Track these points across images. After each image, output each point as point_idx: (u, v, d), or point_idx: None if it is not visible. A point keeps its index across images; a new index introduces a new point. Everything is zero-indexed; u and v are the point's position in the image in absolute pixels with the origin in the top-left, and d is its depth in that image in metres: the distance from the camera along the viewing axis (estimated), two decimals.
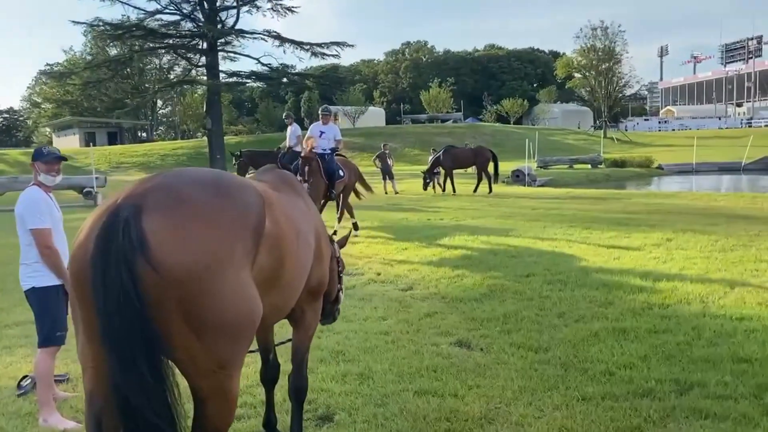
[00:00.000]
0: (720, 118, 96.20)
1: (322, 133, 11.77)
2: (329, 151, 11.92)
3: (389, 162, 22.53)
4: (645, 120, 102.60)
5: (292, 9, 43.01)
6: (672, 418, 3.88)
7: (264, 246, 2.55)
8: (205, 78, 46.34)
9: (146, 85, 70.38)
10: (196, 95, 69.07)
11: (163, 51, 49.22)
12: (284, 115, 16.24)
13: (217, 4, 42.27)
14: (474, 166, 22.17)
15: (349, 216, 13.13)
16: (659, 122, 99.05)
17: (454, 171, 22.17)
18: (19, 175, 24.92)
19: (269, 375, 3.93)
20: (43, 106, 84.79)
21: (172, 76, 70.66)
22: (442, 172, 21.97)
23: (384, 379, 4.72)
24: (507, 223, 13.02)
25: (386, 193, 21.92)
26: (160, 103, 78.86)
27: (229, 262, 2.32)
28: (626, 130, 71.46)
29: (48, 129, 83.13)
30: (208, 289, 2.23)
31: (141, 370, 2.15)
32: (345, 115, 64.66)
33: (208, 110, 45.04)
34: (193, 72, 53.66)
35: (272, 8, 42.47)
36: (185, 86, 57.53)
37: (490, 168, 21.44)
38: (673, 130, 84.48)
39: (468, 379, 4.65)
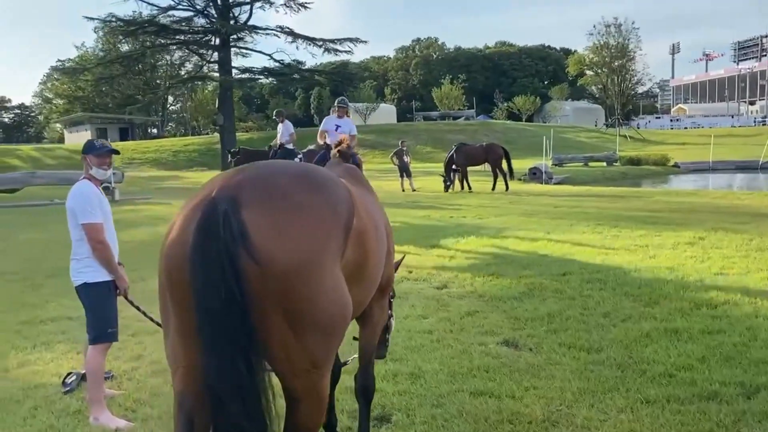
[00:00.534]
0: (733, 117, 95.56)
1: (337, 127, 10.77)
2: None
3: (406, 159, 22.41)
4: (656, 118, 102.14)
5: (306, 5, 42.88)
6: (744, 422, 3.76)
7: (351, 241, 2.47)
8: (216, 74, 46.41)
9: (157, 81, 70.55)
10: (207, 91, 69.12)
11: (176, 47, 49.27)
12: (275, 112, 15.94)
13: (230, 0, 42.25)
14: (487, 164, 22.09)
15: None
16: (671, 120, 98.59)
17: (468, 168, 22.07)
18: (36, 170, 24.84)
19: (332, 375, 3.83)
20: (54, 102, 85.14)
21: (183, 72, 70.85)
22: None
23: (436, 379, 4.62)
24: (531, 221, 12.89)
25: (403, 190, 21.83)
26: (170, 99, 79.02)
27: (327, 258, 2.25)
28: (638, 128, 71.02)
29: (59, 125, 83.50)
30: (308, 285, 2.16)
31: (239, 370, 2.07)
32: (356, 111, 64.64)
33: (219, 106, 45.07)
34: (205, 68, 53.73)
35: (285, 4, 42.35)
36: (197, 82, 57.53)
37: (504, 165, 21.34)
38: (686, 128, 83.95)
39: (523, 380, 4.54)
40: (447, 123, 59.87)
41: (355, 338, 4.45)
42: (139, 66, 62.47)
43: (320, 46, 43.10)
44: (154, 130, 77.19)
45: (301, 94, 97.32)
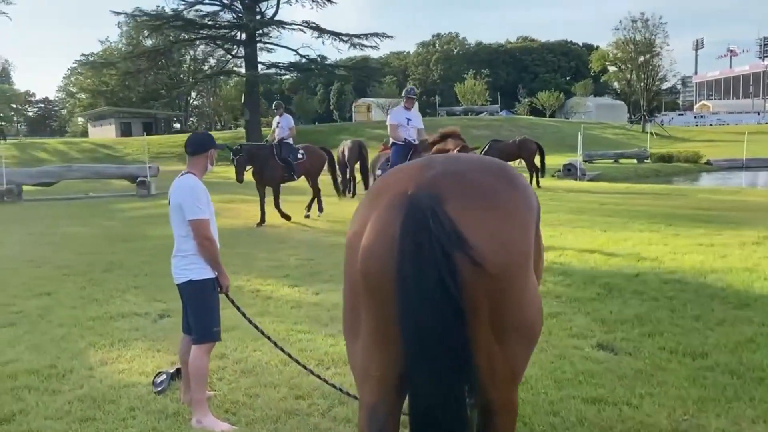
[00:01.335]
0: (759, 114, 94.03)
1: (408, 120, 9.64)
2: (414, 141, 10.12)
3: None
4: (680, 115, 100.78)
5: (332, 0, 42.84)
6: None
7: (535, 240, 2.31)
8: (241, 69, 46.47)
9: (181, 76, 70.82)
10: (230, 87, 69.28)
11: (202, 42, 49.35)
12: (274, 104, 14.76)
13: None
14: (521, 159, 21.82)
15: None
16: (695, 117, 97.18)
17: None
18: (72, 164, 24.94)
19: None
20: (78, 96, 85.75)
21: (206, 67, 71.12)
22: None
23: (542, 384, 4.44)
24: (582, 218, 12.64)
25: None
26: (193, 94, 79.33)
27: (530, 259, 2.08)
28: (662, 125, 70.13)
29: (82, 119, 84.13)
30: (516, 288, 2.01)
31: (452, 382, 1.90)
32: (378, 107, 64.43)
33: (246, 101, 45.08)
34: (230, 63, 53.82)
35: None
36: (222, 77, 57.62)
37: (537, 160, 21.08)
38: (711, 125, 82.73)
39: (634, 386, 4.34)
40: (471, 118, 59.45)
41: None
42: (163, 60, 62.90)
43: (346, 42, 43.05)
44: (177, 125, 77.55)
45: (321, 90, 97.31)
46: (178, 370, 4.82)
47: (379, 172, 9.30)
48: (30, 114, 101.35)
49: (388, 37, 44.09)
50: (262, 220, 12.91)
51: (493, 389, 2.07)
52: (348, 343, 2.21)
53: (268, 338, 4.51)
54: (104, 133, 64.25)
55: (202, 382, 4.05)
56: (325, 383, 4.31)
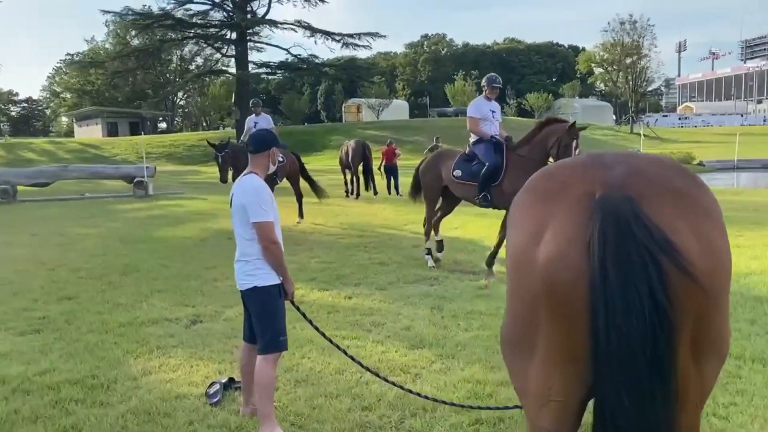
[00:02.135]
0: (742, 115, 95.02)
1: (493, 113, 8.50)
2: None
3: None
4: (664, 116, 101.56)
5: None
6: None
7: None
8: (230, 68, 46.02)
9: (168, 75, 70.13)
10: (218, 86, 68.62)
11: (192, 41, 48.86)
12: (251, 102, 13.47)
13: None
14: None
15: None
16: (679, 118, 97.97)
17: None
18: (69, 164, 24.46)
19: None
20: (62, 96, 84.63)
21: (193, 67, 70.52)
22: None
23: None
24: None
25: None
26: (180, 93, 78.65)
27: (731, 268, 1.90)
28: (649, 126, 70.54)
29: (67, 118, 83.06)
30: (723, 300, 1.82)
31: (658, 409, 1.71)
32: (369, 107, 64.20)
33: (236, 101, 44.66)
34: (219, 62, 53.29)
35: None
36: (212, 76, 57.12)
37: None
38: (695, 126, 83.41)
39: (714, 395, 4.17)
40: (462, 119, 59.35)
41: None
42: (149, 59, 62.23)
43: (338, 41, 42.82)
44: (164, 125, 76.81)
45: (307, 90, 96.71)
46: (230, 380, 4.62)
47: (458, 172, 8.25)
48: (13, 114, 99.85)
49: (381, 36, 44.12)
50: None
51: (682, 413, 1.88)
52: (514, 362, 1.99)
53: (322, 334, 4.32)
54: (90, 133, 63.44)
55: (269, 395, 3.82)
56: (413, 394, 4.16)
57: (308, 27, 42.18)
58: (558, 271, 1.79)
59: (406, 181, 20.94)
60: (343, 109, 71.71)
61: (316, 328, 4.36)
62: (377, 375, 4.29)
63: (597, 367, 1.74)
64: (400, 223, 13.03)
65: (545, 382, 1.87)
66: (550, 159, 7.48)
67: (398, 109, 69.88)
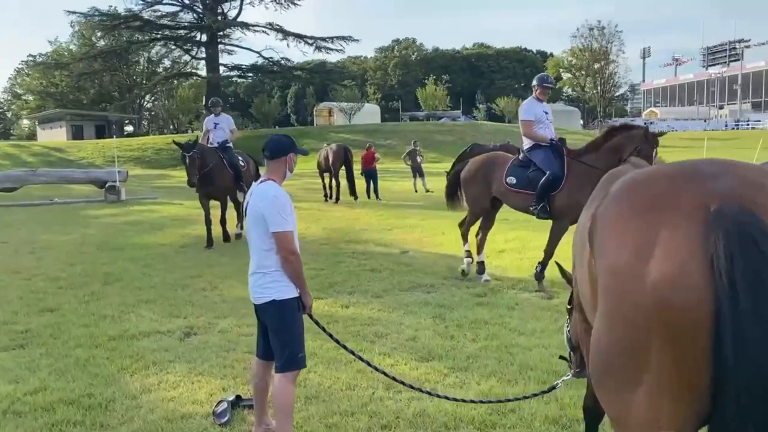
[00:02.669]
0: (705, 120, 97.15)
1: (545, 113, 7.92)
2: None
3: (419, 160, 21.92)
4: (631, 120, 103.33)
5: (295, 2, 42.26)
6: None
7: None
8: (199, 71, 45.39)
9: (135, 78, 68.91)
10: (186, 88, 67.65)
11: (161, 43, 48.06)
12: (210, 102, 12.28)
13: None
14: None
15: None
16: (645, 123, 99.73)
17: None
18: (35, 168, 23.69)
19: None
20: (24, 98, 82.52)
21: (160, 69, 69.43)
22: None
23: None
24: None
25: (416, 191, 21.33)
26: (147, 96, 77.38)
27: None
28: None
29: (29, 121, 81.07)
30: None
31: None
32: (341, 111, 63.91)
33: (207, 104, 44.03)
34: (188, 65, 52.49)
35: (275, 0, 41.65)
36: (181, 79, 56.27)
37: None
38: (661, 131, 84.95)
39: None
40: (434, 123, 59.47)
41: (561, 357, 3.98)
42: (115, 61, 61.05)
43: (311, 44, 42.51)
44: (130, 128, 75.41)
45: (277, 93, 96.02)
46: (238, 397, 4.39)
47: (512, 180, 7.63)
48: None
49: (354, 40, 43.87)
50: (210, 241, 10.84)
51: None
52: (613, 390, 1.81)
53: (343, 346, 4.13)
54: (54, 136, 61.81)
55: (289, 415, 3.60)
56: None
57: (280, 30, 41.84)
58: (675, 292, 1.62)
59: (384, 185, 20.85)
60: (314, 112, 71.31)
61: (342, 346, 4.19)
62: (420, 390, 4.17)
63: (721, 400, 1.58)
64: (384, 228, 12.85)
65: (653, 413, 1.70)
66: None
67: (370, 112, 69.69)
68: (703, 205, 1.66)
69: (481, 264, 8.23)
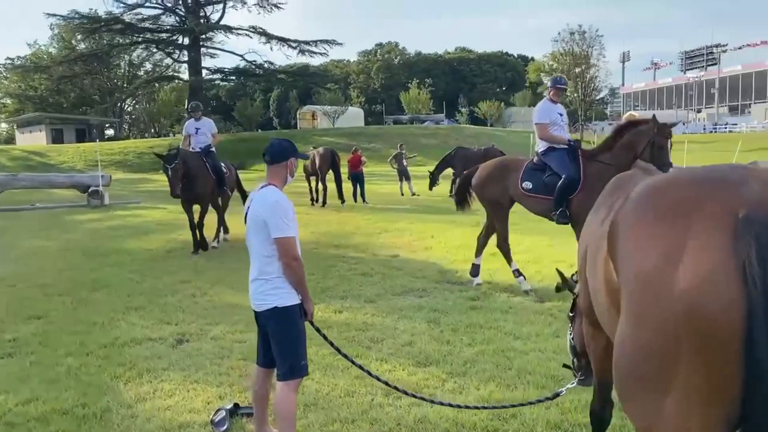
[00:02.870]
0: (683, 124, 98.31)
1: (560, 115, 7.85)
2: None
3: (405, 163, 21.95)
4: (609, 124, 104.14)
5: (279, 5, 42.10)
6: None
7: None
8: (181, 74, 45.06)
9: (115, 81, 68.25)
10: (168, 92, 67.14)
11: (143, 46, 47.65)
12: (191, 106, 11.82)
13: None
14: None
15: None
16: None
17: None
18: (18, 172, 23.34)
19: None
20: (2, 102, 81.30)
21: (141, 72, 68.85)
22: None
23: None
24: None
25: (402, 194, 21.36)
26: (128, 100, 76.63)
27: None
28: (595, 134, 72.28)
29: (7, 125, 79.98)
30: None
31: None
32: (325, 114, 63.83)
33: (188, 108, 43.74)
34: (170, 68, 52.05)
35: (258, 4, 41.49)
36: (163, 82, 55.82)
37: None
38: (672, 122, 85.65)
39: None
40: (418, 127, 59.60)
41: (565, 366, 3.97)
42: (95, 64, 60.41)
43: (295, 48, 42.41)
44: (111, 131, 74.59)
45: (259, 96, 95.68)
46: (236, 405, 4.33)
47: (528, 185, 7.46)
48: None
49: (338, 44, 43.89)
50: (197, 245, 10.68)
51: None
52: (640, 398, 1.80)
53: (344, 355, 4.10)
54: (34, 140, 61.03)
55: (292, 424, 3.56)
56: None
57: (264, 33, 41.69)
58: (706, 299, 1.61)
59: (370, 188, 20.81)
60: (297, 115, 71.12)
61: (343, 354, 4.16)
62: (423, 399, 4.14)
63: (752, 404, 1.57)
64: (373, 232, 12.82)
65: (683, 420, 1.69)
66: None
67: (353, 116, 69.68)
68: (731, 212, 1.66)
69: (476, 267, 8.12)
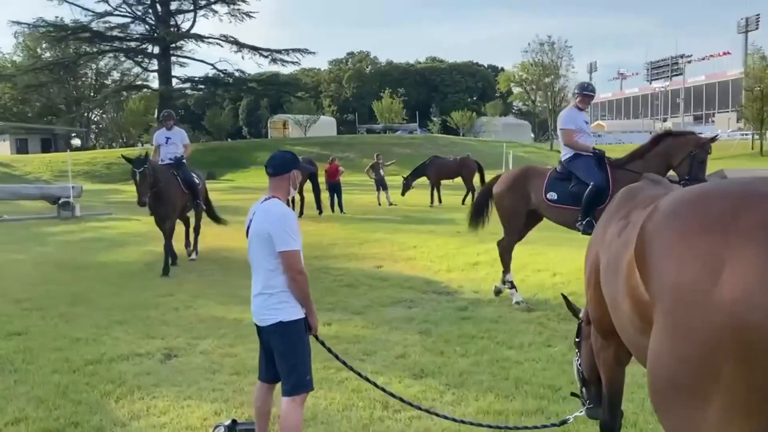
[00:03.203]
0: (650, 133, 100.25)
1: (585, 123, 7.68)
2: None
3: (382, 173, 21.95)
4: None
5: (250, 14, 41.99)
6: None
7: None
8: (150, 83, 44.54)
9: (82, 90, 67.16)
10: (137, 101, 66.22)
11: (111, 55, 46.99)
12: (162, 114, 11.34)
13: (172, 7, 40.69)
14: (460, 177, 21.79)
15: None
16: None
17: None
18: None
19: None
20: None
21: (109, 81, 67.88)
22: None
23: None
24: (548, 234, 12.66)
25: (380, 204, 21.34)
26: (96, 109, 75.39)
27: None
28: None
29: None
30: None
31: None
32: (296, 123, 63.61)
33: (159, 117, 43.25)
34: (139, 77, 51.43)
35: (230, 13, 41.28)
36: (132, 91, 55.09)
37: (476, 179, 21.21)
38: (609, 143, 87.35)
39: None
40: (391, 136, 59.80)
41: (573, 394, 3.97)
42: (62, 73, 59.34)
43: (266, 56, 42.24)
44: (77, 141, 73.27)
45: (228, 105, 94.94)
46: (234, 422, 4.23)
47: (553, 195, 7.25)
48: None
49: (311, 53, 43.86)
50: (171, 259, 10.09)
51: None
52: (679, 409, 1.80)
53: (350, 368, 4.05)
54: None
55: None
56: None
57: (235, 42, 41.48)
58: (749, 311, 1.62)
59: (347, 198, 20.76)
60: (268, 124, 70.73)
61: (350, 367, 4.10)
62: (437, 414, 4.10)
63: None
64: (354, 242, 12.78)
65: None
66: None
67: (326, 125, 69.60)
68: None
69: (510, 283, 7.71)
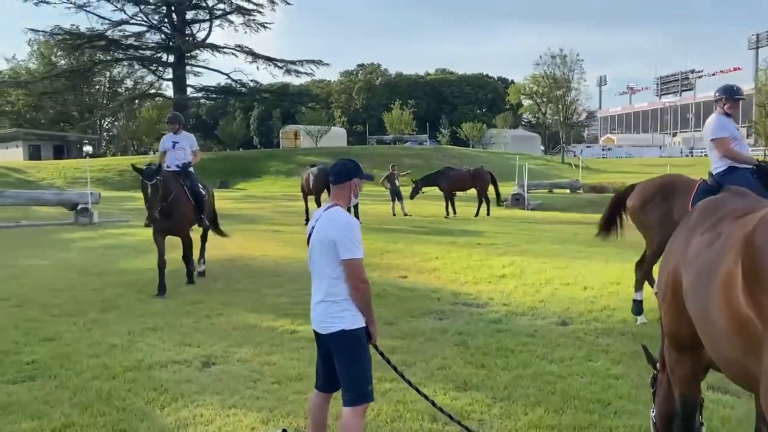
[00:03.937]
0: (660, 147, 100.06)
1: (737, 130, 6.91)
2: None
3: (397, 183, 21.94)
4: (587, 147, 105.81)
5: (265, 25, 42.22)
6: None
7: None
8: (164, 91, 44.78)
9: (96, 98, 67.61)
10: (150, 109, 66.60)
11: (126, 63, 47.33)
12: (168, 117, 10.58)
13: (188, 17, 40.99)
14: (474, 188, 21.69)
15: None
16: (602, 149, 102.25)
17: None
18: (5, 189, 22.82)
19: None
20: None
21: (122, 89, 68.34)
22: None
23: None
24: (570, 247, 12.61)
25: (394, 214, 21.31)
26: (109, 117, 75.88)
27: None
28: (574, 156, 73.22)
29: None
30: None
31: None
32: (308, 134, 63.79)
33: (166, 120, 43.42)
34: (153, 85, 51.76)
35: (245, 23, 41.55)
36: (146, 99, 55.43)
37: (491, 190, 21.17)
38: (618, 157, 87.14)
39: None
40: (402, 147, 59.89)
41: None
42: (77, 81, 59.76)
43: (281, 67, 42.43)
44: (89, 148, 73.66)
45: (240, 115, 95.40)
46: (284, 431, 4.19)
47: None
48: None
49: (325, 64, 44.08)
50: (163, 288, 8.85)
51: None
52: None
53: (408, 382, 4.00)
54: (10, 156, 60.02)
55: None
56: None
57: (251, 52, 41.73)
58: None
59: (361, 208, 20.71)
60: (280, 134, 70.96)
61: (399, 374, 4.03)
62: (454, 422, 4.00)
63: None
64: (375, 252, 12.70)
65: None
66: None
67: (337, 136, 69.79)
68: None
69: (638, 303, 7.15)
